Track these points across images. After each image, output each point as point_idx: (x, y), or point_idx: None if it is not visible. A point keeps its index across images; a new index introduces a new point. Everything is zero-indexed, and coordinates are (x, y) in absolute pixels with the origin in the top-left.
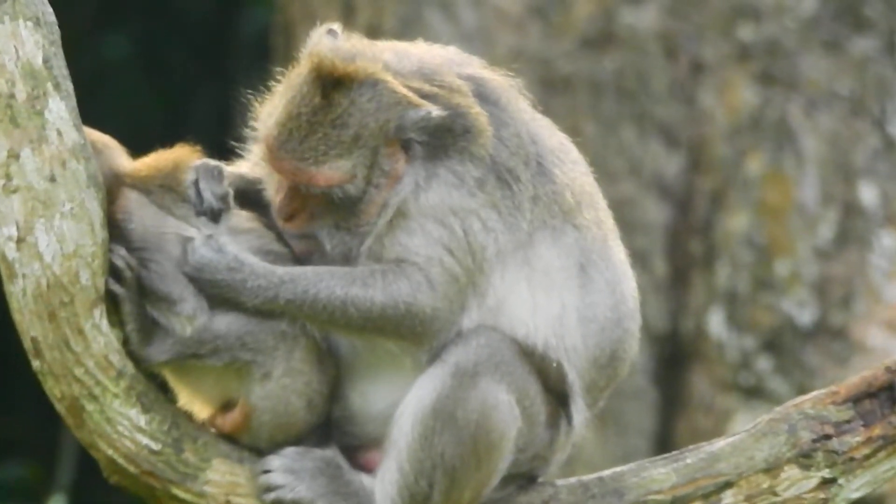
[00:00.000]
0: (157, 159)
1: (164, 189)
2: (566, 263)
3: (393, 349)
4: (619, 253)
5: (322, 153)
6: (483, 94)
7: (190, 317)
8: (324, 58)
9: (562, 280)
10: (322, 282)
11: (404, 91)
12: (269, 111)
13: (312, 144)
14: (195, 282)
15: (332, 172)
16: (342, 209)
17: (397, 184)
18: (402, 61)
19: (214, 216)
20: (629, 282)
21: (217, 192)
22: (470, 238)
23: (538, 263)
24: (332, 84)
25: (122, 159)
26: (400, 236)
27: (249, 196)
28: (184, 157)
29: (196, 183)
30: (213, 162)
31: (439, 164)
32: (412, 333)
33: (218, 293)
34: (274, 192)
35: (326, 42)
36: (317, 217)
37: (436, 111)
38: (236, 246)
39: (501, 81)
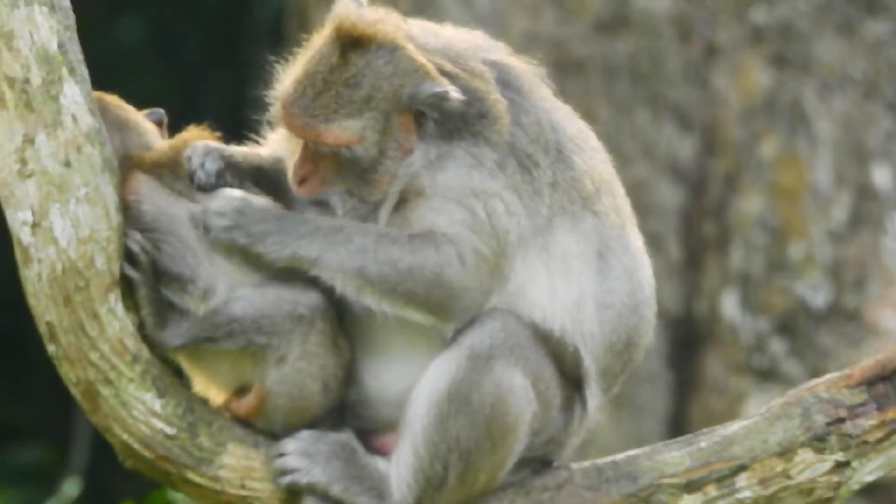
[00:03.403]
0: (170, 143)
1: (172, 171)
2: (584, 250)
3: (421, 322)
4: (636, 240)
5: (332, 111)
6: (506, 81)
7: (202, 295)
8: (345, 19)
9: (580, 266)
10: (356, 233)
11: (423, 62)
12: (289, 72)
13: (324, 102)
14: (242, 215)
15: (341, 131)
16: (353, 175)
17: (408, 156)
18: (428, 38)
19: (209, 189)
20: (646, 269)
21: (210, 168)
22: (494, 221)
23: (557, 249)
24: (350, 44)
25: (146, 139)
26: (427, 215)
27: (266, 177)
28: (192, 139)
29: (190, 161)
30: (205, 142)
31: (454, 144)
32: (439, 306)
33: (261, 230)
34: (290, 158)
35: (352, 7)
36: (328, 182)
37: (453, 92)
38: None
39: (525, 69)
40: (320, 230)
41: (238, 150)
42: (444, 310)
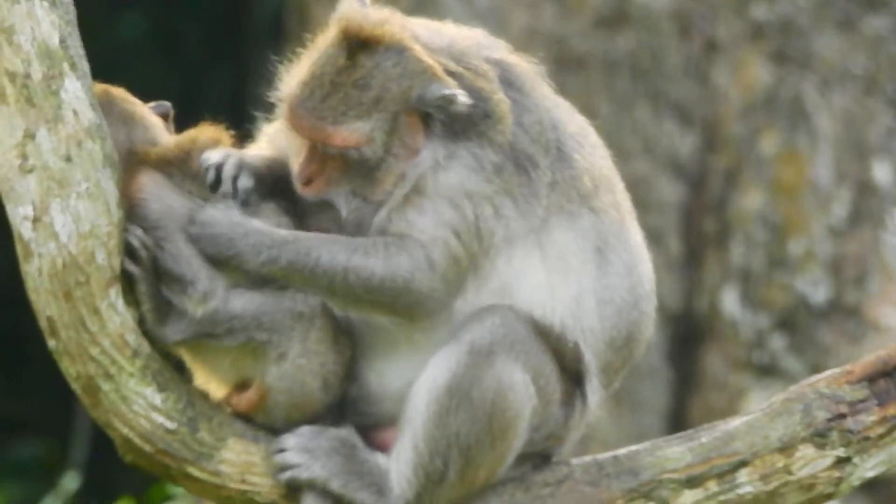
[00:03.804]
0: (178, 139)
1: (182, 170)
2: (583, 246)
3: (386, 324)
4: (636, 236)
5: (341, 113)
6: (508, 80)
7: (201, 298)
8: (351, 20)
9: (578, 263)
10: (325, 246)
11: (430, 62)
12: (293, 73)
13: (332, 104)
14: (198, 241)
15: (350, 133)
16: (359, 175)
17: (415, 157)
18: (432, 37)
19: (235, 201)
20: (646, 264)
21: (246, 185)
22: (480, 223)
23: (553, 247)
24: (357, 46)
25: (152, 134)
26: (409, 213)
27: (275, 178)
28: (203, 137)
29: (218, 168)
30: (237, 154)
31: (460, 145)
32: (406, 310)
33: (220, 252)
34: (294, 157)
35: (356, 7)
36: (334, 182)
37: (461, 97)
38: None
39: (527, 67)
40: (287, 248)
41: (257, 158)
42: (410, 313)
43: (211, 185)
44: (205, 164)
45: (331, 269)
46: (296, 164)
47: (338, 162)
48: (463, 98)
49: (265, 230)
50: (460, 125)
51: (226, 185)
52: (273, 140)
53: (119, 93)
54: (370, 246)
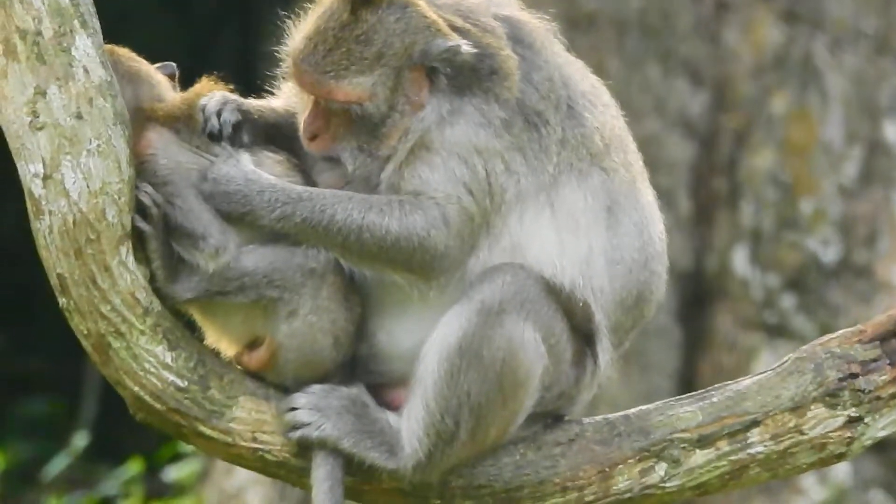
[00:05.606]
0: (184, 95)
1: (188, 125)
2: (593, 205)
3: (400, 282)
4: (647, 195)
5: (343, 68)
6: (518, 37)
7: (213, 253)
8: None
9: (588, 222)
10: (340, 203)
11: (434, 17)
12: (299, 28)
13: (335, 59)
14: (212, 198)
15: (352, 88)
16: (364, 130)
17: (420, 112)
18: None
19: (224, 139)
20: (657, 224)
21: (228, 119)
22: (491, 179)
23: (563, 206)
24: (361, 1)
25: (158, 91)
26: (421, 169)
27: (278, 131)
28: (205, 91)
29: (205, 109)
30: (222, 93)
31: (465, 100)
32: (421, 268)
33: (234, 209)
34: (301, 113)
35: None
36: (339, 138)
37: (465, 46)
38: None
39: (537, 24)
40: (301, 205)
41: (254, 105)
42: (424, 271)
43: (202, 127)
44: (198, 108)
45: (345, 226)
46: (301, 121)
47: (342, 117)
48: (467, 48)
49: (279, 186)
50: (466, 81)
51: (212, 122)
52: (287, 97)
53: (124, 52)
54: (385, 204)
